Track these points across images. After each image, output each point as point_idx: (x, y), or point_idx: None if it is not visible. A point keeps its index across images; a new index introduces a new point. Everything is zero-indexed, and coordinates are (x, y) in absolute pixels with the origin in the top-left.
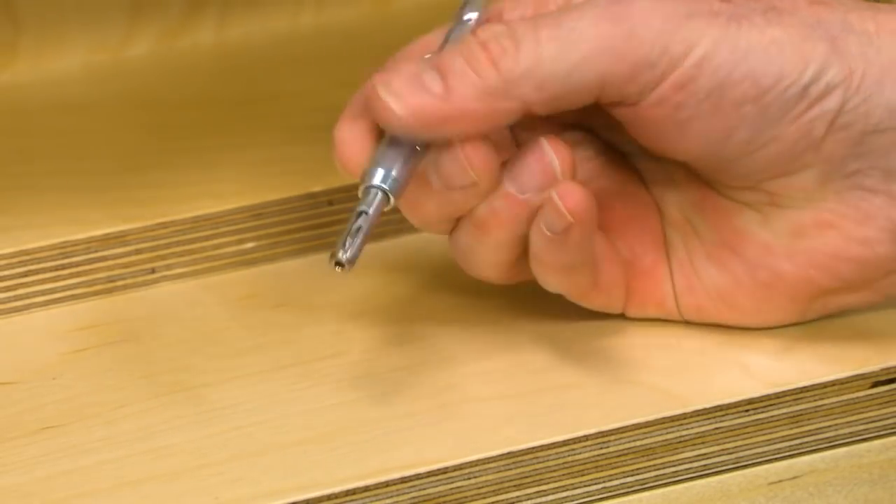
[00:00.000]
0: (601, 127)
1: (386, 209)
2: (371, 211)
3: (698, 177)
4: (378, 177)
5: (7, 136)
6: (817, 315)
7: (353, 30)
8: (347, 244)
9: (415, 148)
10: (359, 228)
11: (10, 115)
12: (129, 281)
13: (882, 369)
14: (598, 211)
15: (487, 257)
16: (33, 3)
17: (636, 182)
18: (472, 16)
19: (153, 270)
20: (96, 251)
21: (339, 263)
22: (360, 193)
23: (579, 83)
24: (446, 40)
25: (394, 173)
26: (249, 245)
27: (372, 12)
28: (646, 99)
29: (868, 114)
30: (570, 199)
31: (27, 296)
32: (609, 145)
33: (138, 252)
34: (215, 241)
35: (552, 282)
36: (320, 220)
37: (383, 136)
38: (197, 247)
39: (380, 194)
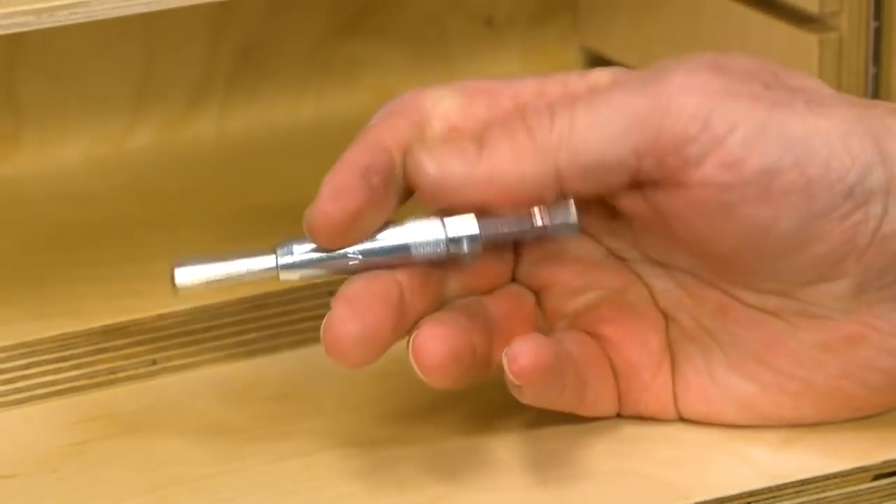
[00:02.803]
0: (603, 232)
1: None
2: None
3: (713, 285)
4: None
5: (9, 227)
6: (840, 420)
7: (355, 120)
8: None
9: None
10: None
11: (12, 206)
12: (130, 373)
13: (883, 462)
14: (596, 322)
15: None
16: (36, 94)
17: (639, 291)
18: None
19: (154, 362)
20: (97, 343)
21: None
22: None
23: (614, 156)
24: None
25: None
26: (250, 336)
27: (373, 102)
28: (690, 177)
29: None
30: (516, 364)
31: (28, 388)
32: (611, 252)
33: (139, 343)
34: (216, 332)
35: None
36: (321, 311)
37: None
38: (198, 337)
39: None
